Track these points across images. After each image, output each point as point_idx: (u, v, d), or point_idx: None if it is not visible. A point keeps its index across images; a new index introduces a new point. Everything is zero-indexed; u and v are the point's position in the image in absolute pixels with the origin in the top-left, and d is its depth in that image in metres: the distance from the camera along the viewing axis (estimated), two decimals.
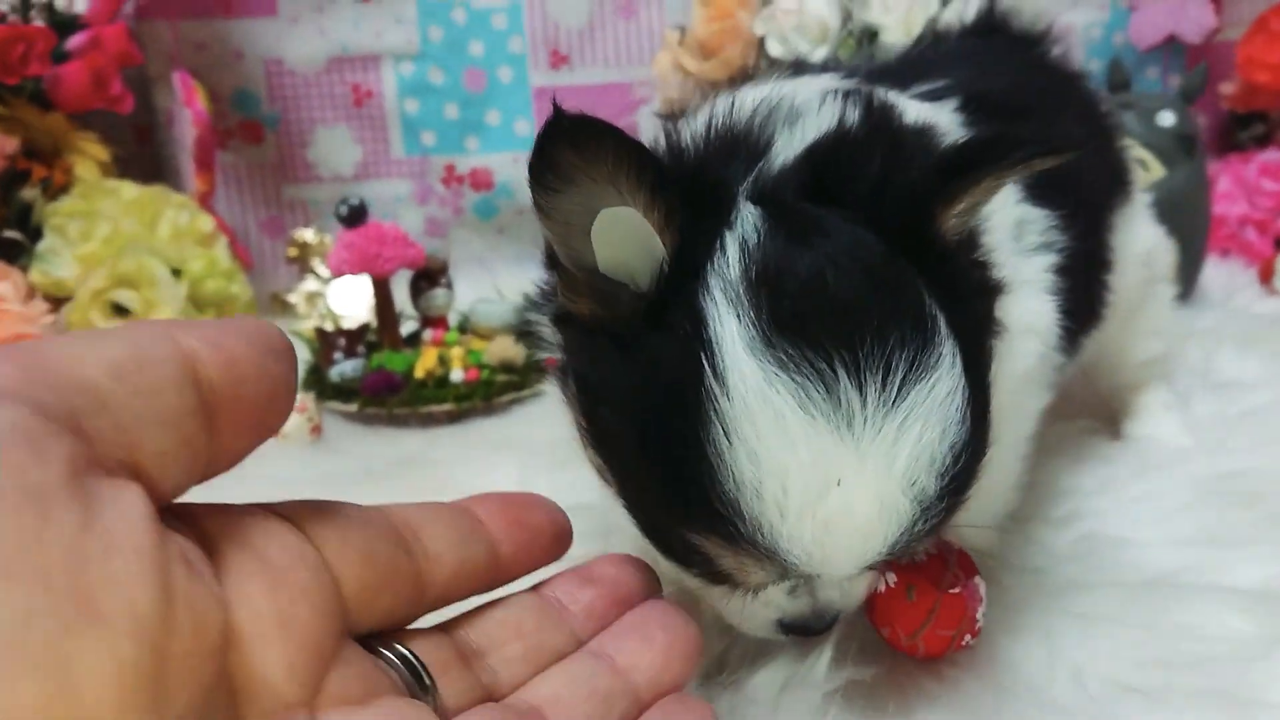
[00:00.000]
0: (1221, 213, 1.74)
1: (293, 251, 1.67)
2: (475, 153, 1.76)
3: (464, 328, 1.42)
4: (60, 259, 1.37)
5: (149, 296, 1.37)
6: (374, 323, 1.36)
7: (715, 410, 0.48)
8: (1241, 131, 1.87)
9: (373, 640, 0.44)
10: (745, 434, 0.48)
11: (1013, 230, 0.68)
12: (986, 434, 0.55)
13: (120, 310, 1.36)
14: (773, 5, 1.41)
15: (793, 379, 0.48)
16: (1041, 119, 0.86)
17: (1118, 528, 0.85)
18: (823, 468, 0.48)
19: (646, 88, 1.66)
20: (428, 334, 1.39)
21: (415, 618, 0.46)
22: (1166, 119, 1.47)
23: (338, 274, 1.34)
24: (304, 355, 1.35)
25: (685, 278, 0.51)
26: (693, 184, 0.52)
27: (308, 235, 1.66)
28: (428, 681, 0.44)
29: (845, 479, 0.48)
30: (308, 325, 1.39)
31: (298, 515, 0.42)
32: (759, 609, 0.57)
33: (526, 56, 1.74)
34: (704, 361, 0.49)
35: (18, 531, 0.28)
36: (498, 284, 1.49)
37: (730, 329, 0.49)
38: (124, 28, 1.52)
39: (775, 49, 1.45)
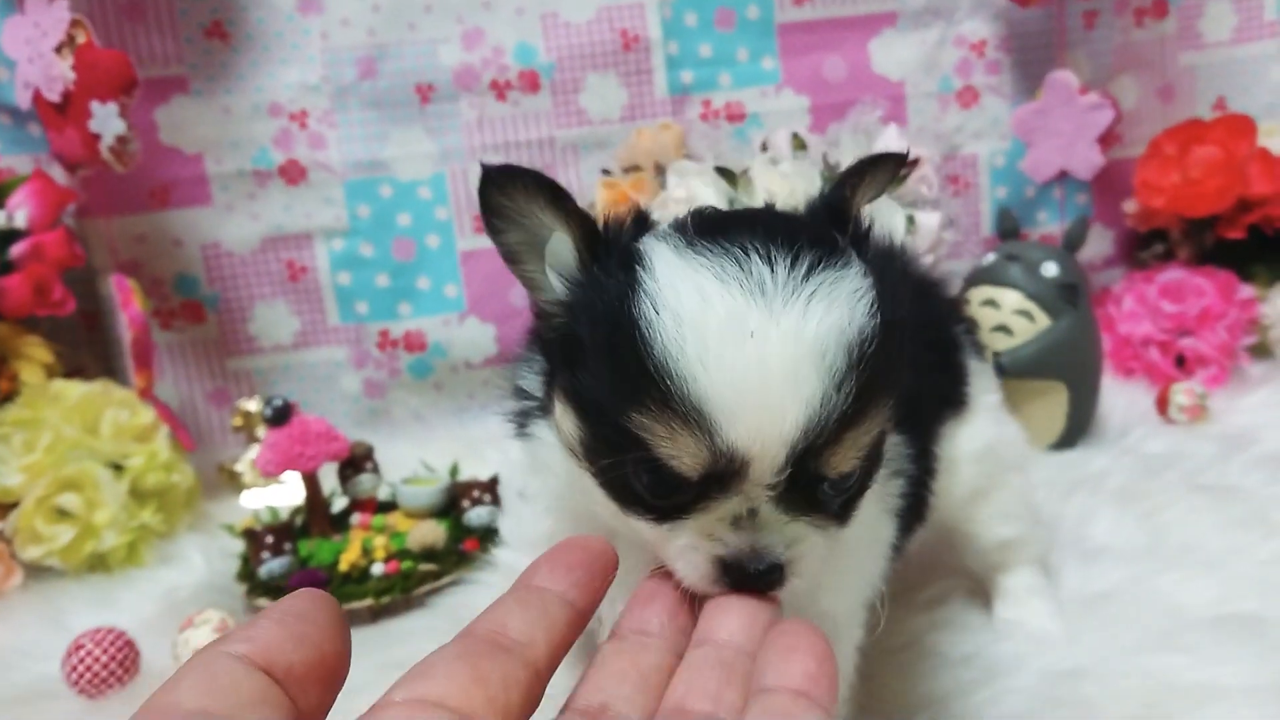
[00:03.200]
0: (1126, 332, 1.82)
1: (237, 421, 1.76)
2: (408, 317, 1.84)
3: (392, 503, 1.50)
4: (6, 468, 1.45)
5: (91, 497, 1.45)
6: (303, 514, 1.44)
7: (645, 292, 0.59)
8: (1143, 250, 1.95)
9: None
10: (670, 302, 0.58)
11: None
12: (900, 368, 0.63)
13: (64, 514, 1.44)
14: (665, 194, 1.49)
15: (710, 259, 0.59)
16: None
17: None
18: (737, 321, 0.56)
19: None
20: (356, 517, 1.47)
21: (538, 697, 0.48)
22: (1050, 270, 1.55)
23: (265, 473, 1.42)
24: (236, 550, 1.43)
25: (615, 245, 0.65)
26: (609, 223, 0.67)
27: (250, 405, 1.75)
28: None
29: (758, 331, 0.56)
30: (240, 520, 1.47)
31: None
32: (702, 545, 0.60)
33: (452, 223, 1.83)
34: (637, 270, 0.60)
35: None
36: (425, 460, 1.57)
37: (659, 246, 0.62)
38: (64, 232, 1.61)
39: None
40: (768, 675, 0.48)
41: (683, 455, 0.58)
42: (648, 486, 0.62)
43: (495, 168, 0.63)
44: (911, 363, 0.86)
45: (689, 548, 0.61)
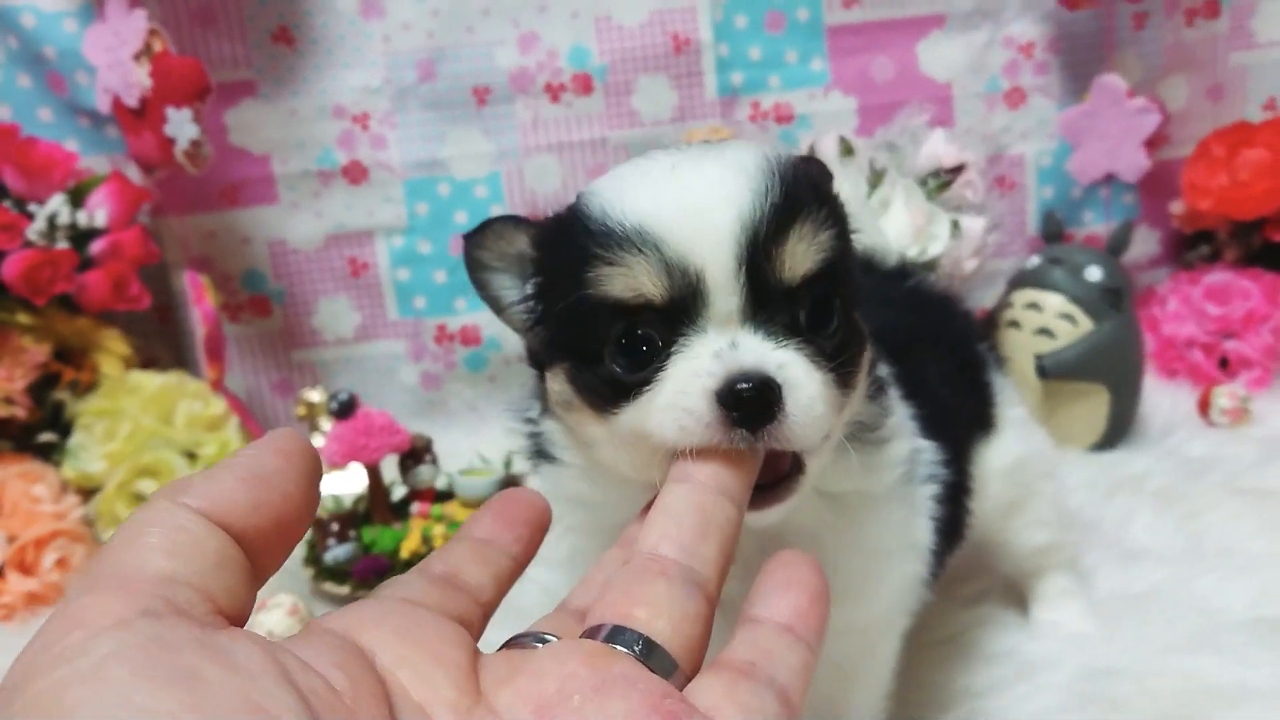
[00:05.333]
0: (1170, 334, 1.83)
1: (301, 410, 1.82)
2: (464, 312, 1.90)
3: (450, 492, 1.56)
4: (89, 454, 1.54)
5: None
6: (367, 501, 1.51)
7: (582, 199, 0.66)
8: (1189, 251, 1.96)
9: None
10: (602, 186, 0.65)
11: (908, 458, 0.79)
12: (837, 219, 0.66)
13: (142, 499, 1.52)
14: None
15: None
16: (915, 355, 0.95)
17: None
18: (661, 167, 0.64)
19: None
20: (415, 506, 1.53)
21: (480, 635, 0.52)
22: (1094, 274, 1.57)
23: (330, 464, 1.49)
24: (305, 536, 1.49)
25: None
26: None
27: (314, 395, 1.82)
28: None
29: (679, 166, 0.63)
30: None
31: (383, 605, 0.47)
32: (690, 385, 0.60)
33: None
34: (578, 199, 0.67)
35: (188, 679, 0.35)
36: (481, 451, 1.63)
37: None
38: (140, 230, 1.69)
39: None
40: (756, 605, 0.49)
41: (640, 280, 0.61)
42: (625, 354, 0.63)
43: (474, 229, 0.71)
44: (942, 382, 0.89)
45: (675, 396, 0.60)
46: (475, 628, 0.50)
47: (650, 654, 0.45)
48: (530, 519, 0.57)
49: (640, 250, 0.60)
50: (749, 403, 0.58)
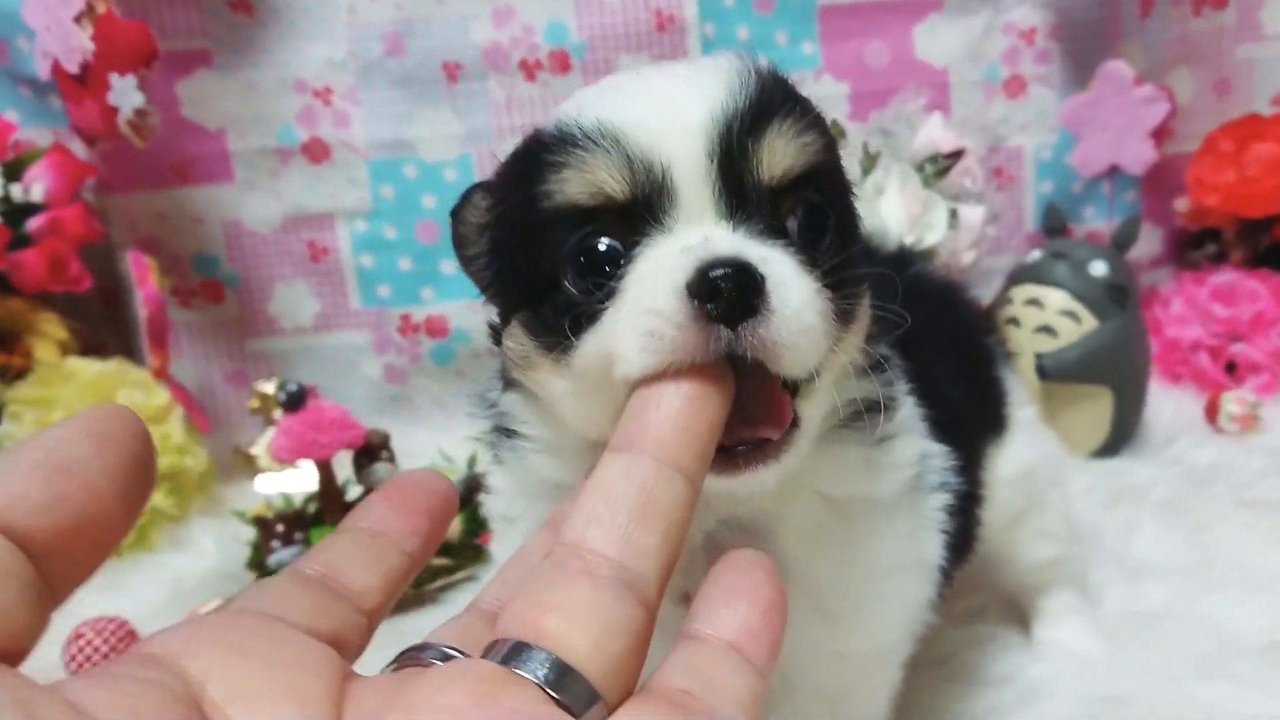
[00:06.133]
0: (1174, 336, 1.75)
1: (254, 403, 1.71)
2: (430, 302, 1.80)
3: None
4: None
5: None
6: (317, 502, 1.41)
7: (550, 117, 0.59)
8: (1194, 250, 1.88)
9: None
10: (567, 102, 0.59)
11: (917, 461, 0.70)
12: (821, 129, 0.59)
13: None
14: None
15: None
16: (920, 349, 0.88)
17: None
18: (628, 75, 0.60)
19: None
20: None
21: (366, 644, 0.44)
22: (1098, 269, 1.48)
23: (278, 460, 1.38)
24: (248, 536, 1.39)
25: None
26: None
27: (268, 387, 1.71)
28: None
29: (644, 72, 0.59)
30: (253, 507, 1.43)
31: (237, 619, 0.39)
32: (659, 281, 0.51)
33: None
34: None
35: None
36: (444, 449, 1.53)
37: None
38: (83, 207, 1.58)
39: None
40: (699, 618, 0.41)
41: (598, 175, 0.54)
42: (584, 272, 0.55)
43: (455, 204, 0.67)
44: (951, 380, 0.77)
45: (640, 299, 0.51)
46: (353, 644, 0.42)
47: (561, 680, 0.36)
48: (430, 507, 0.48)
49: (598, 144, 0.54)
50: (726, 292, 0.48)
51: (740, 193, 0.54)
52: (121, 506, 0.36)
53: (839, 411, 0.63)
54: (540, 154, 0.56)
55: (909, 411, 0.70)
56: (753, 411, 0.52)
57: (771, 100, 0.56)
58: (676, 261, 0.50)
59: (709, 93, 0.55)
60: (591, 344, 0.54)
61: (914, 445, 0.69)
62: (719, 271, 0.49)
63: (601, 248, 0.55)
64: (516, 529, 0.73)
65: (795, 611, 0.66)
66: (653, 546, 0.40)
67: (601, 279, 0.54)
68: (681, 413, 0.45)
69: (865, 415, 0.63)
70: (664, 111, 0.55)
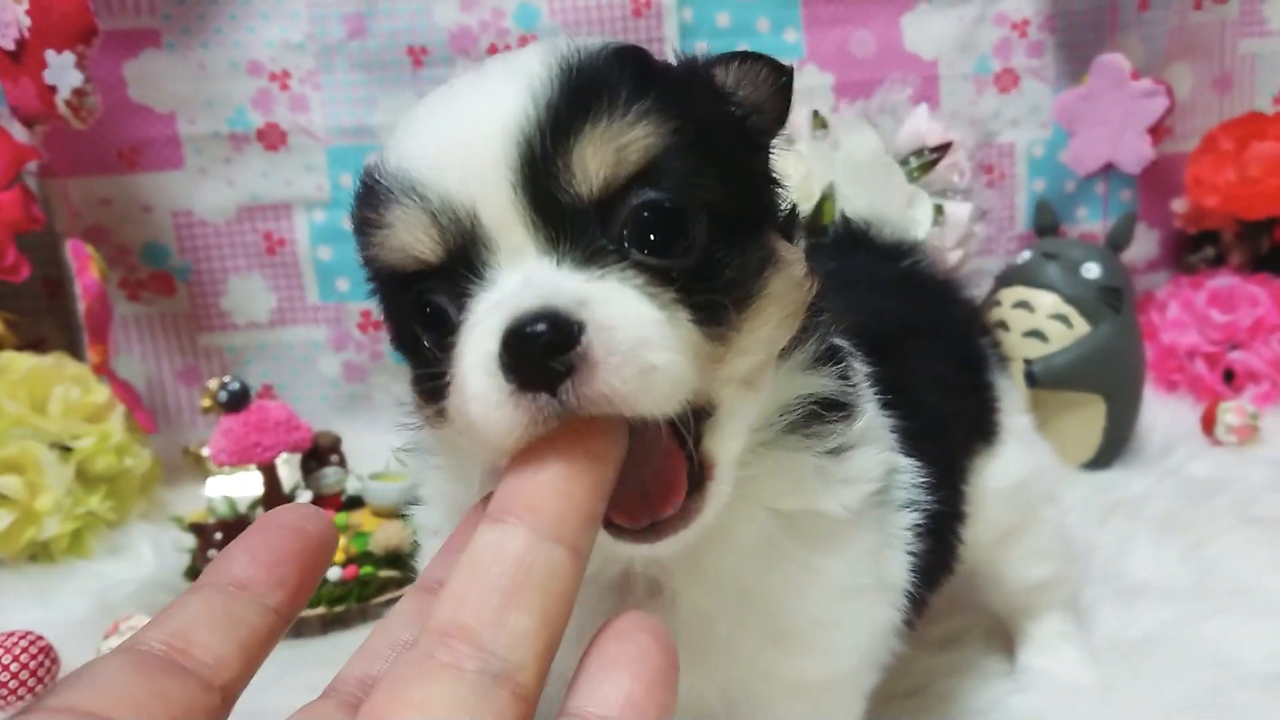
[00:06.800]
0: (1170, 342, 1.67)
1: (206, 402, 1.63)
2: None
3: (360, 499, 1.38)
4: None
5: (33, 480, 1.34)
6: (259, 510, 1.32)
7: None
8: (1192, 254, 1.80)
9: None
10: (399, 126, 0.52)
11: (881, 476, 0.63)
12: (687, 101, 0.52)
13: (1, 498, 1.33)
14: None
15: None
16: (909, 351, 0.80)
17: None
18: (444, 91, 0.52)
19: None
20: None
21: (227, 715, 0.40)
22: (1092, 271, 1.41)
23: (217, 463, 1.30)
24: (189, 543, 1.31)
25: None
26: None
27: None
28: None
29: (458, 86, 0.51)
30: (194, 513, 1.35)
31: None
32: (476, 348, 0.45)
33: None
34: None
35: None
36: (398, 453, 1.44)
37: None
38: (20, 192, 1.49)
39: None
40: (579, 692, 0.37)
41: (404, 238, 0.49)
42: (429, 325, 0.50)
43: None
44: (934, 384, 0.72)
45: (464, 375, 0.46)
46: None
47: None
48: (302, 550, 0.42)
49: (401, 201, 0.48)
50: (534, 357, 0.43)
51: (558, 218, 0.47)
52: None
53: (784, 412, 0.57)
54: (362, 206, 0.52)
55: (874, 419, 0.63)
56: (648, 483, 0.48)
57: (582, 98, 0.48)
58: (486, 324, 0.45)
59: (506, 107, 0.47)
60: (452, 408, 0.48)
61: (877, 458, 0.62)
62: (524, 331, 0.43)
63: (431, 309, 0.50)
64: (438, 541, 0.67)
65: (745, 637, 0.59)
66: (529, 629, 0.36)
67: (447, 336, 0.48)
68: (559, 478, 0.40)
69: (819, 417, 0.57)
70: (460, 142, 0.48)
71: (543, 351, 0.42)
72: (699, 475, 0.50)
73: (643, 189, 0.48)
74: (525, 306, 0.44)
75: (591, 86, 0.48)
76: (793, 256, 0.56)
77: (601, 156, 0.47)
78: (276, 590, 0.41)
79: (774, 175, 0.59)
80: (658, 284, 0.47)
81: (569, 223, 0.47)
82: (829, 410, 0.58)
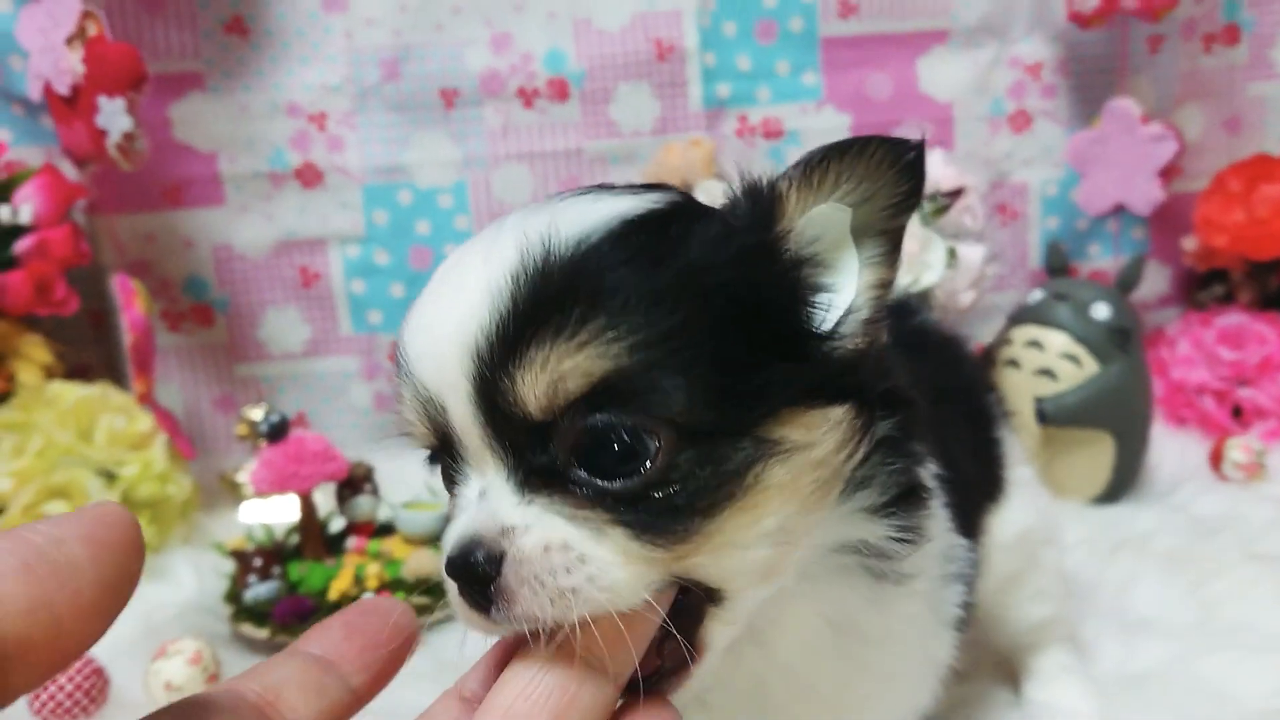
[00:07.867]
0: (1179, 379, 1.71)
1: (242, 430, 1.69)
2: None
3: (391, 527, 1.43)
4: None
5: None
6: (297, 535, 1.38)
7: None
8: (1202, 290, 1.84)
9: None
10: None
11: (941, 558, 0.66)
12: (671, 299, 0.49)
13: None
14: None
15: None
16: (943, 416, 0.82)
17: None
18: (452, 261, 0.52)
19: None
20: (352, 540, 1.40)
21: None
22: (1101, 311, 1.45)
23: (258, 491, 1.35)
24: (228, 568, 1.36)
25: None
26: None
27: (256, 414, 1.68)
28: None
29: (463, 259, 0.51)
30: (233, 539, 1.40)
31: None
32: (445, 545, 0.49)
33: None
34: None
35: None
36: (431, 482, 1.49)
37: None
38: (71, 228, 1.56)
39: None
40: None
41: (409, 418, 0.52)
42: (443, 477, 0.54)
43: None
44: (963, 448, 0.72)
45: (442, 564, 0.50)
46: None
47: None
48: (389, 642, 0.45)
49: (404, 379, 0.51)
50: (468, 581, 0.47)
51: (508, 433, 0.48)
52: (97, 620, 0.35)
53: (838, 550, 0.57)
54: (394, 363, 0.54)
55: (938, 512, 0.63)
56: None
57: (533, 314, 0.46)
58: (449, 531, 0.49)
59: (469, 313, 0.47)
60: None
61: (935, 550, 0.63)
62: (458, 561, 0.47)
63: (442, 466, 0.53)
64: None
65: (797, 706, 0.62)
66: None
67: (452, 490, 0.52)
68: (557, 688, 0.43)
69: (873, 557, 0.57)
70: (433, 341, 0.49)
71: (472, 581, 0.46)
72: (688, 653, 0.50)
73: (590, 412, 0.46)
74: (464, 533, 0.47)
75: (545, 300, 0.47)
76: (813, 436, 0.51)
77: (542, 383, 0.46)
78: (361, 673, 0.44)
79: (820, 330, 0.53)
80: (590, 506, 0.47)
81: (515, 440, 0.48)
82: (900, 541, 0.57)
